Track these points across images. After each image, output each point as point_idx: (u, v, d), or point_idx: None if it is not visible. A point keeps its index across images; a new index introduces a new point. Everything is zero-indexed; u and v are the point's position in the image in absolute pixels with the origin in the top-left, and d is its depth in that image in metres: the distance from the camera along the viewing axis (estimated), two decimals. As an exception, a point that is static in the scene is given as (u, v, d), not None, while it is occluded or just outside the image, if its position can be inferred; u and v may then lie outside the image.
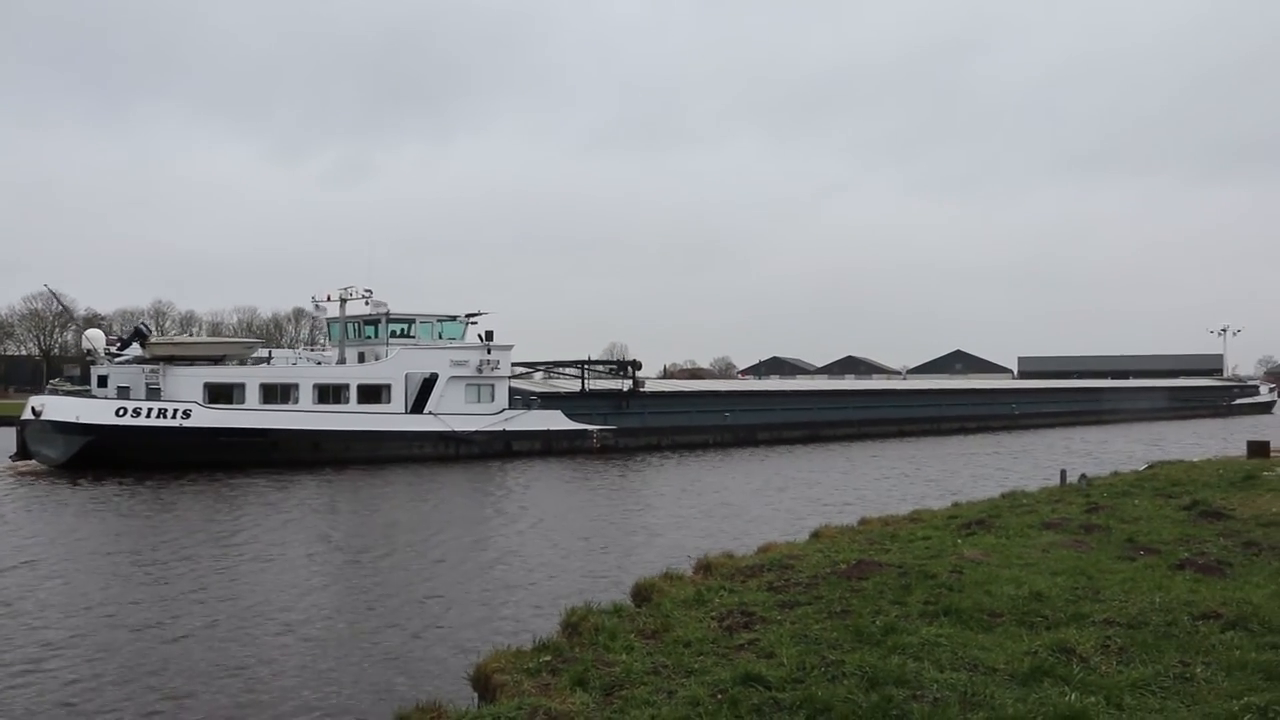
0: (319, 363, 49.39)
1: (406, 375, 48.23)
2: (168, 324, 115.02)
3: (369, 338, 51.71)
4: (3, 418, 66.03)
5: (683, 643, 10.30)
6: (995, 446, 58.79)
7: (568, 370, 61.57)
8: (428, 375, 48.71)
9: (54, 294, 50.75)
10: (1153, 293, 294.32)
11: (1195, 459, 34.01)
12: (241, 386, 44.80)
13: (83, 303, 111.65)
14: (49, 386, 47.55)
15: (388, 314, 50.82)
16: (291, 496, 32.57)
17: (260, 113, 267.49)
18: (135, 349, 45.96)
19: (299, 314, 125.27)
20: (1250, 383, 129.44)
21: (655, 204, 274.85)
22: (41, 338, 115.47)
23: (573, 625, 11.53)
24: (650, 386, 60.24)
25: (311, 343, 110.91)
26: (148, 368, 43.93)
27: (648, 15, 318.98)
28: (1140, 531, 16.46)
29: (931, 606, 11.23)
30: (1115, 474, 29.95)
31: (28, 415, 42.42)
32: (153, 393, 43.29)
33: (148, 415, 41.66)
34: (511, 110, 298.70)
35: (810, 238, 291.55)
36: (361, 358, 50.19)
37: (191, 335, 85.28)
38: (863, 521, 20.38)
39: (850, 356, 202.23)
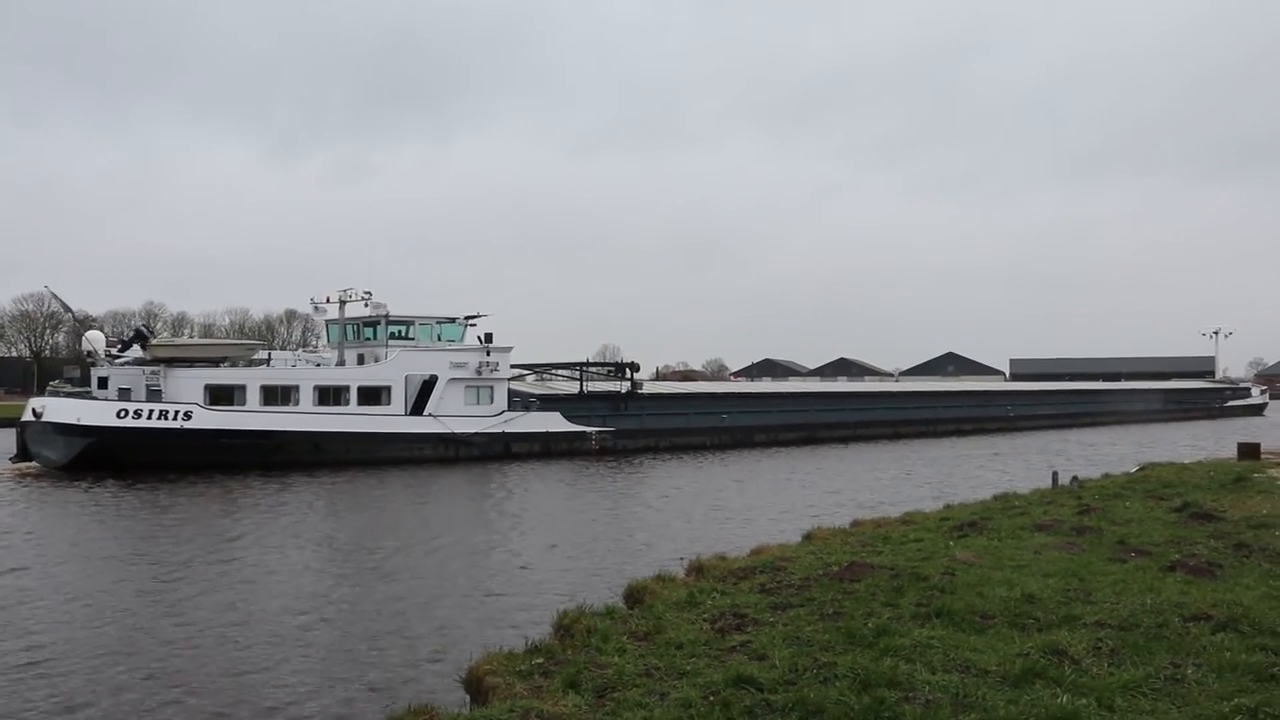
0: (318, 364, 49.50)
1: (406, 377, 48.29)
2: (159, 326, 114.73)
3: (368, 339, 51.77)
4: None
5: (675, 645, 10.32)
6: (989, 448, 58.87)
7: (560, 372, 61.78)
8: (427, 377, 48.76)
9: (56, 297, 50.59)
10: (1151, 293, 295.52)
11: (1186, 461, 34.01)
12: (242, 388, 44.88)
13: (74, 304, 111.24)
14: (50, 388, 47.58)
15: (387, 316, 50.87)
16: (292, 498, 32.60)
17: (259, 113, 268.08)
18: (136, 351, 46.01)
19: (291, 315, 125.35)
20: (1242, 385, 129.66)
21: (654, 204, 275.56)
22: (32, 339, 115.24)
23: (565, 627, 11.54)
24: (647, 389, 60.30)
25: (303, 344, 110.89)
26: (148, 369, 44.01)
27: (648, 15, 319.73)
28: (1131, 533, 16.47)
29: (923, 608, 11.24)
30: (1107, 476, 29.89)
31: (28, 417, 42.43)
32: (154, 394, 43.36)
33: (149, 417, 41.71)
34: (511, 110, 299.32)
35: (809, 238, 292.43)
36: (361, 360, 50.24)
37: (185, 337, 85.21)
38: (855, 524, 20.39)
39: (843, 358, 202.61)
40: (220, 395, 44.24)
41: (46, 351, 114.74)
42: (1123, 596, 11.68)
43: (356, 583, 19.24)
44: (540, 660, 10.16)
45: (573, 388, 57.64)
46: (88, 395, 45.40)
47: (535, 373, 61.71)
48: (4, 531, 25.35)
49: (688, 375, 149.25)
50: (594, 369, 62.10)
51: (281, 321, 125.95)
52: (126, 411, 41.66)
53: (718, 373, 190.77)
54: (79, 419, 41.02)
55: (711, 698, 8.41)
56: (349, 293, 50.86)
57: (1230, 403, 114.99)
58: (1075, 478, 26.67)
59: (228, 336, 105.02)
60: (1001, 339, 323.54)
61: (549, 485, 37.82)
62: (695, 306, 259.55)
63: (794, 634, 10.43)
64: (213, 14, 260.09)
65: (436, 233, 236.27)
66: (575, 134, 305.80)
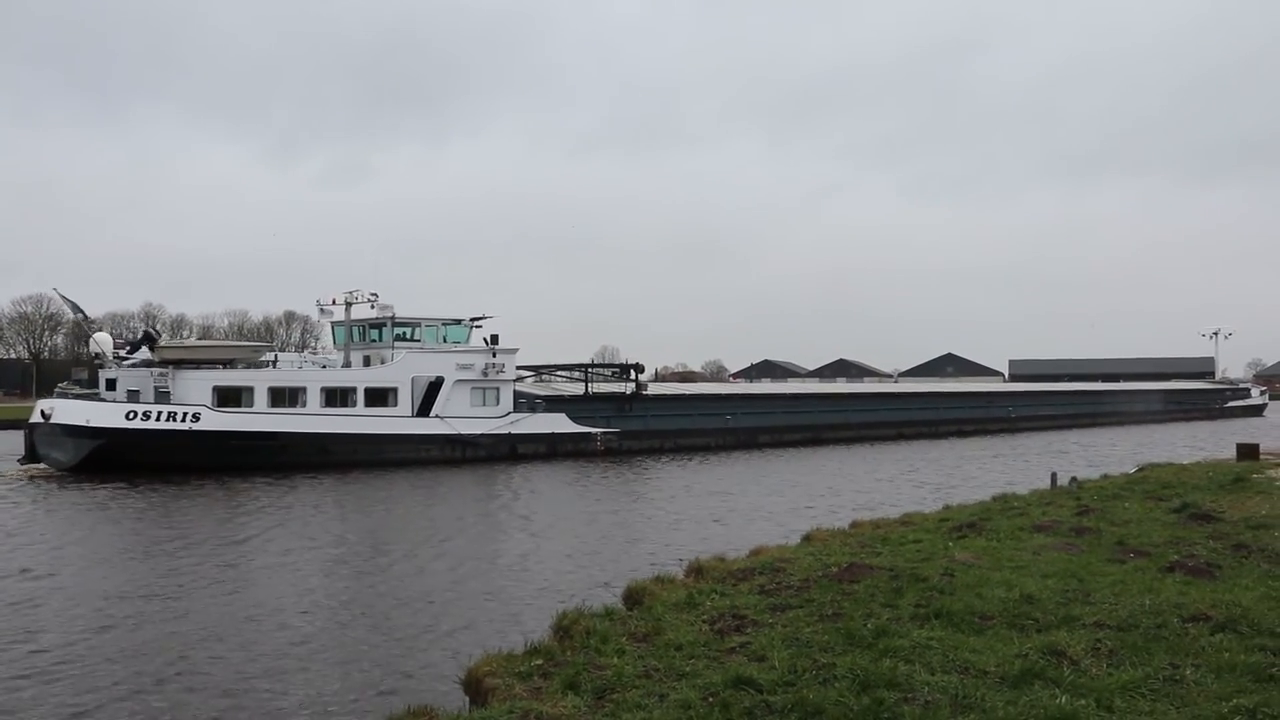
0: (324, 366, 49.68)
1: (413, 379, 48.44)
2: (157, 328, 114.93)
3: (374, 341, 51.94)
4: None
5: (674, 646, 10.34)
6: (990, 449, 58.82)
7: (565, 373, 61.87)
8: (434, 378, 48.87)
9: (66, 299, 50.69)
10: (1150, 294, 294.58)
11: (1185, 461, 33.91)
12: (250, 390, 45.05)
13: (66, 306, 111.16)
14: (58, 389, 47.77)
15: (393, 318, 51.03)
16: (299, 500, 32.72)
17: (258, 113, 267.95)
18: (144, 353, 46.22)
19: (290, 317, 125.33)
20: (1241, 385, 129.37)
21: (653, 205, 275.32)
22: (31, 341, 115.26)
23: (564, 629, 11.55)
24: (652, 390, 60.39)
25: (302, 346, 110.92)
26: (156, 371, 44.23)
27: (647, 15, 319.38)
28: (1130, 534, 16.45)
29: (922, 609, 11.25)
30: (1106, 476, 29.76)
31: (37, 418, 42.60)
32: (162, 396, 43.56)
33: (158, 419, 41.90)
34: (510, 110, 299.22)
35: (808, 239, 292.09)
36: (366, 361, 50.39)
37: (182, 339, 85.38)
38: (854, 525, 20.35)
39: (842, 359, 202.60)
40: (228, 397, 44.41)
41: (45, 353, 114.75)
42: (1121, 597, 11.67)
43: (355, 583, 19.34)
44: (539, 661, 10.18)
45: (574, 389, 57.73)
46: (96, 397, 45.56)
47: (540, 374, 61.85)
48: (13, 533, 25.49)
49: (686, 376, 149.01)
50: (599, 370, 62.22)
51: (280, 323, 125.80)
52: (135, 413, 41.84)
53: (716, 373, 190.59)
54: (88, 421, 41.21)
55: (711, 699, 8.43)
56: (355, 294, 51.10)
57: (1230, 403, 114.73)
58: (1074, 478, 26.60)
59: (226, 338, 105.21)
60: (1001, 339, 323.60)
61: (554, 486, 37.89)
62: (694, 307, 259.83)
63: (793, 635, 10.45)
64: (212, 14, 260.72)
65: (436, 233, 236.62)
66: (574, 134, 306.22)
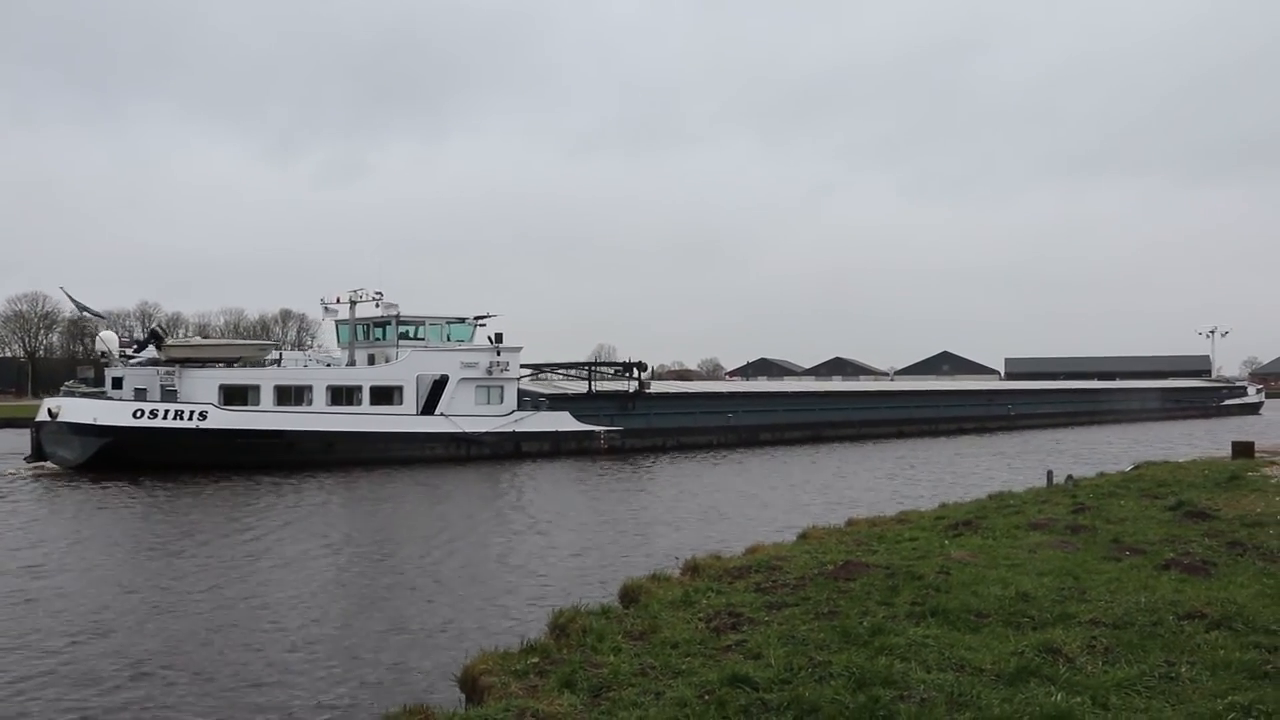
0: (329, 364, 49.78)
1: (418, 377, 48.55)
2: (154, 327, 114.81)
3: (378, 340, 52.03)
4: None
5: (670, 644, 10.38)
6: (988, 447, 58.83)
7: (568, 372, 61.98)
8: (438, 377, 48.98)
9: (73, 299, 50.83)
10: (1149, 293, 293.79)
11: (1181, 459, 33.86)
12: (256, 388, 45.20)
13: (71, 305, 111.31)
14: (64, 388, 47.93)
15: (398, 316, 51.09)
16: (304, 499, 32.81)
17: (257, 112, 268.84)
18: (150, 351, 46.35)
19: (286, 315, 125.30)
20: (1238, 384, 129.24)
21: (652, 204, 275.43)
22: (27, 339, 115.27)
23: (560, 627, 11.60)
24: (654, 388, 60.50)
25: (299, 344, 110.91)
26: (163, 370, 44.32)
27: (646, 15, 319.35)
28: (1126, 532, 16.47)
29: (918, 607, 11.29)
30: (1102, 474, 29.73)
31: (44, 417, 42.72)
32: (168, 395, 43.67)
33: (164, 417, 42.03)
34: (509, 110, 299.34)
35: (807, 238, 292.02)
36: (371, 360, 50.51)
37: (194, 338, 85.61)
38: (850, 523, 20.40)
39: (838, 358, 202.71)
40: (234, 395, 44.56)
41: (41, 352, 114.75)
42: (1117, 595, 11.71)
43: (353, 581, 19.43)
44: (535, 659, 10.22)
45: (576, 387, 57.83)
46: (103, 395, 45.73)
47: (543, 372, 61.93)
48: (20, 531, 25.58)
49: (683, 374, 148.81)
50: (602, 369, 62.33)
51: (276, 321, 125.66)
52: (142, 411, 41.98)
53: (713, 372, 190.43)
54: (95, 419, 41.35)
55: (707, 697, 8.46)
56: (360, 293, 51.23)
57: (1227, 401, 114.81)
58: (1070, 476, 26.57)
59: (223, 337, 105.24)
60: (998, 339, 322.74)
61: (556, 485, 37.95)
62: (693, 307, 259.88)
63: (789, 633, 10.49)
64: (211, 14, 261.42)
65: (434, 232, 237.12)
66: (573, 134, 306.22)
